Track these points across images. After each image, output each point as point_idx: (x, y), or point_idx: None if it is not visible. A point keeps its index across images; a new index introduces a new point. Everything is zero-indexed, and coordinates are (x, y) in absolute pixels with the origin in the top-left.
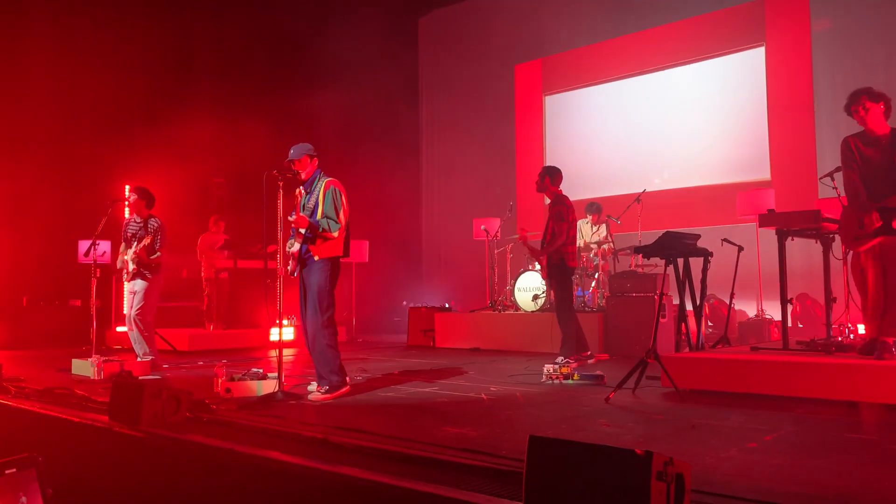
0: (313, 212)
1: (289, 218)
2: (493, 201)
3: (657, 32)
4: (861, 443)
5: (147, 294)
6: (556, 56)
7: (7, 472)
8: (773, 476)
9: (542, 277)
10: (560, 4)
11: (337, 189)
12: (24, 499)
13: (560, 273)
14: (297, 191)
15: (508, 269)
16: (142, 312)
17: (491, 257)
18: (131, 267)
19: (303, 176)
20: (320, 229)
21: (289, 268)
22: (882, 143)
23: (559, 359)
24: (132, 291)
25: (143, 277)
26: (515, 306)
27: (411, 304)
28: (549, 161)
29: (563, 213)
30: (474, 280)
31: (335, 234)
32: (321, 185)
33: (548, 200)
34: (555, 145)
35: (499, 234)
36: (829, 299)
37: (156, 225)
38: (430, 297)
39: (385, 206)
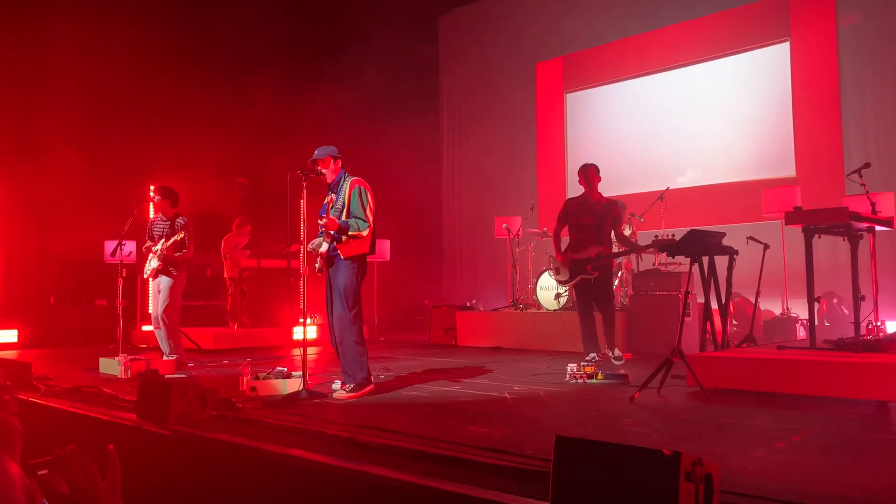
0: (341, 213)
1: (318, 221)
2: (515, 199)
3: (680, 28)
4: (891, 443)
5: (172, 291)
6: (577, 53)
7: (39, 473)
8: (802, 477)
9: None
10: (581, 2)
11: (363, 188)
12: None
13: (611, 269)
14: (329, 197)
15: (530, 267)
16: (167, 310)
17: (513, 256)
18: (155, 263)
19: (328, 178)
20: (350, 231)
21: (317, 266)
22: None
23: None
24: (158, 290)
25: (168, 274)
26: (538, 305)
27: (433, 303)
28: (572, 159)
29: (620, 218)
30: (496, 279)
31: (364, 234)
32: (346, 186)
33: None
34: (576, 143)
35: (520, 233)
36: (858, 297)
37: (182, 222)
38: (451, 295)
39: (406, 205)
